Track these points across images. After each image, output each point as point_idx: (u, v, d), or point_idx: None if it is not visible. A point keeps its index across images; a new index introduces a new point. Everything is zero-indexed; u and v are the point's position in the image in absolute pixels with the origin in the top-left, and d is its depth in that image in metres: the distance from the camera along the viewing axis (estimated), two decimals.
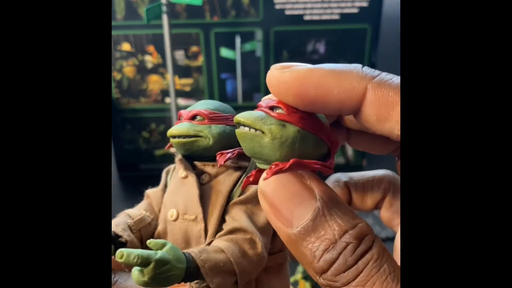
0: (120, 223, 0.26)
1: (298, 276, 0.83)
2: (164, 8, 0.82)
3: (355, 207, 0.28)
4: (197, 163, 0.28)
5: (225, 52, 0.99)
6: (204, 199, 0.26)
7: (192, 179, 0.27)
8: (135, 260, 0.21)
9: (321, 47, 1.01)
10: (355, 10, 0.97)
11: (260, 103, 0.21)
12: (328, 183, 0.26)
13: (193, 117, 0.28)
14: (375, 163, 0.79)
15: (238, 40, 0.98)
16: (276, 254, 0.28)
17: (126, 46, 0.99)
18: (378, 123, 0.19)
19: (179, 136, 0.27)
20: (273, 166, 0.18)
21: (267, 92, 0.24)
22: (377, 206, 0.28)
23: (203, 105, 0.29)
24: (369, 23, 0.98)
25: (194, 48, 1.00)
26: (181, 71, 1.00)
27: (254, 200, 0.26)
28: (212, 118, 0.28)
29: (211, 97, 1.04)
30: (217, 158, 0.26)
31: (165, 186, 0.30)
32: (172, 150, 0.29)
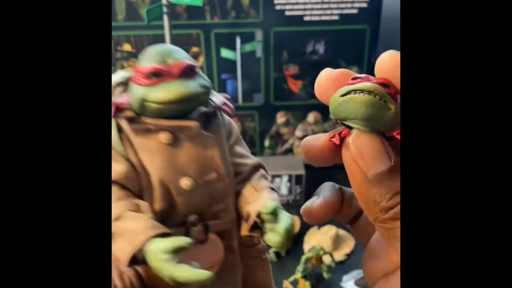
0: (156, 224, 0.22)
1: (298, 275, 0.84)
2: (164, 9, 0.82)
3: (343, 214, 0.29)
4: (172, 122, 0.24)
5: (225, 53, 0.99)
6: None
7: (208, 139, 0.24)
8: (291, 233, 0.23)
9: (321, 48, 1.01)
10: (354, 11, 0.97)
11: (359, 76, 0.23)
12: (326, 184, 0.29)
13: (186, 71, 0.24)
14: None
15: (238, 40, 0.98)
16: (256, 246, 0.28)
17: (127, 47, 0.99)
18: None
19: (190, 100, 0.23)
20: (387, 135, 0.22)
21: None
22: (355, 218, 0.30)
23: (178, 55, 0.24)
24: (368, 23, 0.98)
25: (194, 49, 1.00)
26: None
27: (239, 138, 0.27)
28: (196, 67, 0.25)
29: None
30: (224, 109, 0.26)
31: (128, 161, 0.24)
32: (121, 116, 0.24)
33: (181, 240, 0.21)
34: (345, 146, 0.22)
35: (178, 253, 0.20)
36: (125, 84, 0.25)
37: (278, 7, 0.96)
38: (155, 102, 0.23)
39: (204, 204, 0.24)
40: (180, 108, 0.24)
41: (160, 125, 0.24)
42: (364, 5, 0.97)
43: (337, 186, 0.29)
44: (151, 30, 0.96)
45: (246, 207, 0.25)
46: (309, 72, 1.03)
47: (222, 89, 1.03)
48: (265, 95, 1.04)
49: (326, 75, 0.25)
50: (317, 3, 0.96)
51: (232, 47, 0.99)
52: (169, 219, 0.24)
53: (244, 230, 0.25)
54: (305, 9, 0.97)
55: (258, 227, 0.25)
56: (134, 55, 0.99)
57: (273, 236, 0.23)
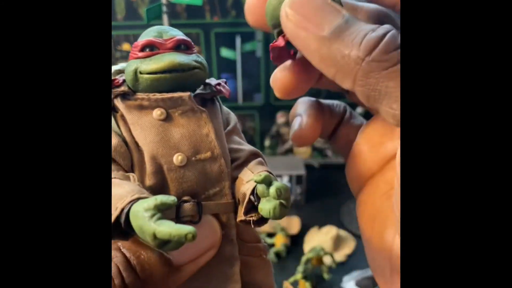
0: (140, 190, 0.21)
1: (298, 276, 0.84)
2: (164, 9, 0.82)
3: (325, 126, 0.28)
4: (164, 95, 0.24)
5: (225, 52, 0.99)
6: None
7: (202, 115, 0.24)
8: (284, 193, 0.21)
9: None
10: None
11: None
12: (302, 101, 0.28)
13: (177, 46, 0.24)
14: None
15: (238, 40, 0.98)
16: (256, 243, 0.26)
17: (126, 46, 0.99)
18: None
19: (182, 70, 0.23)
20: None
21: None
22: (335, 130, 0.29)
23: (175, 32, 0.25)
24: None
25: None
26: None
27: (238, 128, 0.27)
28: (193, 47, 0.25)
29: None
30: (218, 88, 0.25)
31: (120, 136, 0.24)
32: (115, 92, 0.24)
33: (165, 197, 0.20)
34: (286, 20, 0.21)
35: (162, 211, 0.20)
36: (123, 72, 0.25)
37: None
38: (147, 73, 0.23)
39: (198, 185, 0.24)
40: (172, 79, 0.23)
41: (154, 99, 0.23)
42: None
43: (313, 98, 0.28)
44: None
45: (242, 188, 0.24)
46: None
47: None
48: (265, 95, 1.04)
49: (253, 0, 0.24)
50: None
51: (232, 47, 0.99)
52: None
53: (240, 214, 0.24)
54: None
55: (254, 208, 0.23)
56: None
57: (266, 204, 0.22)
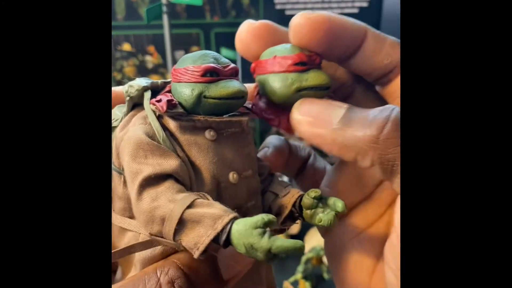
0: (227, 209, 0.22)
1: (298, 276, 0.84)
2: (164, 8, 0.82)
3: (290, 165, 0.31)
4: (222, 118, 0.25)
5: (225, 52, 0.99)
6: None
7: (248, 136, 0.27)
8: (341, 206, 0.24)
9: None
10: (355, 10, 0.97)
11: (295, 58, 0.25)
12: (273, 137, 0.31)
13: (235, 74, 0.26)
14: None
15: None
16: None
17: (126, 46, 0.99)
18: (373, 55, 0.24)
19: (239, 97, 0.25)
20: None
21: None
22: (300, 170, 0.32)
23: (225, 60, 0.26)
24: (369, 23, 0.98)
25: (194, 48, 1.00)
26: None
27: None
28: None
29: None
30: (254, 111, 0.28)
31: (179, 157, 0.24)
32: (173, 112, 0.24)
33: (268, 215, 0.21)
34: (299, 125, 0.24)
35: (268, 228, 0.21)
36: (150, 89, 0.26)
37: (278, 7, 0.96)
38: (214, 97, 0.24)
39: (243, 199, 0.26)
40: (233, 104, 0.25)
41: (211, 121, 0.25)
42: (364, 4, 0.97)
43: (283, 137, 0.31)
44: (151, 29, 0.96)
45: (278, 201, 0.27)
46: None
47: None
48: None
49: (246, 28, 0.26)
50: (317, 2, 0.96)
51: (232, 47, 0.98)
52: None
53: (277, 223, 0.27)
54: (305, 9, 0.96)
55: (291, 218, 0.26)
56: (133, 54, 0.99)
57: (324, 216, 0.25)
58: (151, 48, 0.99)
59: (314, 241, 0.96)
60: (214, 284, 0.23)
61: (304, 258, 0.85)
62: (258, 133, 1.09)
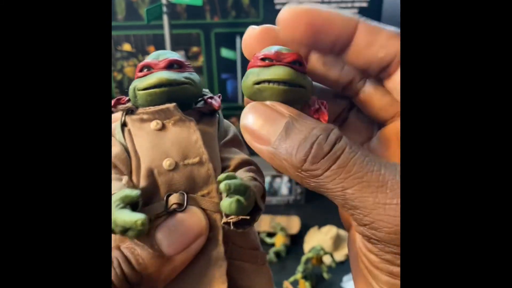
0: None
1: (298, 276, 0.84)
2: (164, 9, 0.82)
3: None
4: (155, 108, 0.27)
5: (225, 53, 0.99)
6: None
7: (191, 124, 0.27)
8: (233, 189, 0.23)
9: None
10: (355, 11, 0.97)
11: (264, 54, 0.24)
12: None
13: (170, 66, 0.27)
14: None
15: (238, 40, 0.98)
16: (251, 250, 0.28)
17: (126, 47, 0.99)
18: (366, 48, 0.23)
19: (170, 84, 0.26)
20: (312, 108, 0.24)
21: None
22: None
23: (170, 55, 0.28)
24: None
25: (194, 49, 1.00)
26: None
27: (237, 140, 0.29)
28: (187, 66, 0.28)
29: None
30: (209, 102, 0.28)
31: (122, 145, 0.27)
32: (120, 108, 0.27)
33: (130, 190, 0.23)
34: (245, 132, 0.23)
35: (126, 201, 0.23)
36: None
37: (278, 7, 0.96)
38: (141, 89, 0.26)
39: (186, 187, 0.26)
40: (161, 93, 0.26)
41: (150, 112, 0.26)
42: (364, 4, 0.97)
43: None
44: (151, 29, 0.96)
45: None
46: None
47: (222, 89, 1.03)
48: None
49: (249, 34, 0.27)
50: (317, 2, 0.96)
51: (232, 47, 0.99)
52: (153, 198, 0.26)
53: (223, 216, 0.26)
54: None
55: None
56: (134, 54, 0.99)
57: (225, 200, 0.23)
58: (151, 48, 0.99)
59: (314, 240, 0.96)
60: (155, 261, 0.23)
61: (304, 258, 0.85)
62: None
